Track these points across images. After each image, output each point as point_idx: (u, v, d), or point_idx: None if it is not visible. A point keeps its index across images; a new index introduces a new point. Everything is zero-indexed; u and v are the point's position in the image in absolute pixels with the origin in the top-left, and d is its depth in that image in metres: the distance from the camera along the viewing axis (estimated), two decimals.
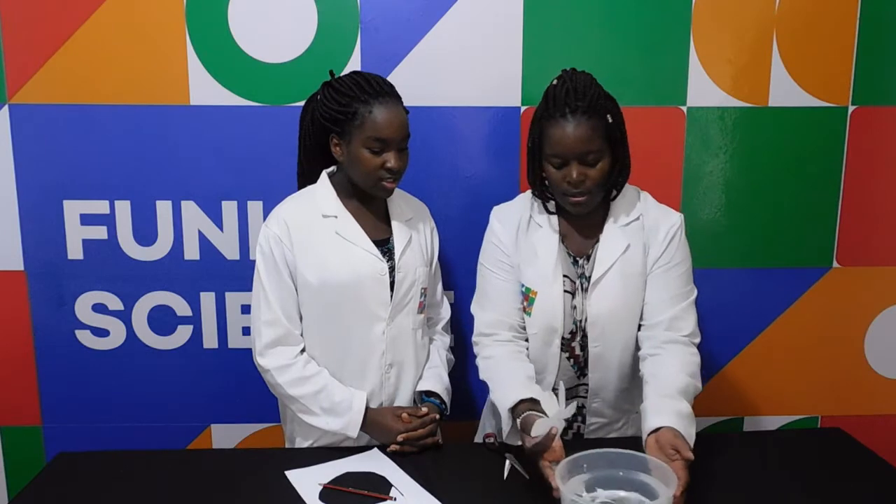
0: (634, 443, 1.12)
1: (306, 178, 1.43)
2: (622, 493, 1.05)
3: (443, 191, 1.71)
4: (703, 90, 1.69)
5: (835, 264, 1.80)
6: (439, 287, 1.55)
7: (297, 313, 1.37)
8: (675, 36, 1.67)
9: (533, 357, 1.36)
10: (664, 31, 1.67)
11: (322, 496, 1.17)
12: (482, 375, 1.35)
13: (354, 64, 1.64)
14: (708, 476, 1.16)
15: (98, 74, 1.63)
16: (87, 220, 1.69)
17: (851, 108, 1.72)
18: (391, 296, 1.37)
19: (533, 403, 1.17)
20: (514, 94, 1.68)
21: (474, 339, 1.40)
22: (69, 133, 1.65)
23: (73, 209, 1.68)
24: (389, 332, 1.38)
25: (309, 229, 1.35)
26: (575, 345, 1.35)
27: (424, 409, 1.37)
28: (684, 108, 1.71)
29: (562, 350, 1.35)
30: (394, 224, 1.41)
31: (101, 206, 1.69)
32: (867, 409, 1.89)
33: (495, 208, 1.43)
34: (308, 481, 1.21)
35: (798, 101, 1.71)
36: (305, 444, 1.41)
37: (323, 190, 1.38)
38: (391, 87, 1.34)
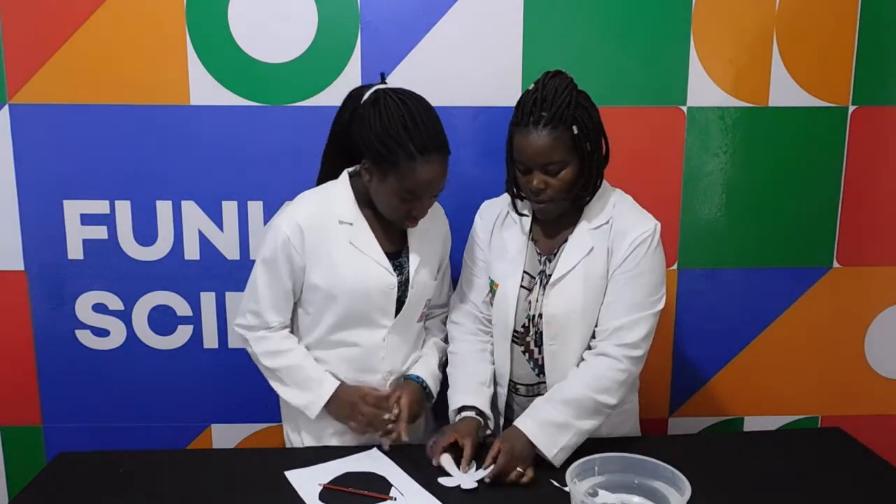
0: (645, 446, 1.13)
1: (328, 173, 1.40)
2: (634, 498, 1.06)
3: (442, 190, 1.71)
4: (704, 90, 1.69)
5: (835, 264, 1.80)
6: (446, 287, 1.53)
7: (286, 311, 1.38)
8: (676, 36, 1.66)
9: (495, 350, 1.42)
10: (664, 31, 1.66)
11: (322, 496, 1.17)
12: (447, 370, 1.44)
13: (355, 64, 1.64)
14: (708, 476, 1.16)
15: (98, 74, 1.63)
16: (87, 219, 1.69)
17: (852, 108, 1.72)
18: (396, 308, 1.37)
19: (473, 408, 1.33)
20: (515, 94, 1.65)
21: (448, 323, 1.50)
22: (69, 133, 1.65)
23: (73, 209, 1.68)
24: (390, 340, 1.38)
25: (323, 234, 1.33)
26: (529, 340, 1.37)
27: (393, 394, 1.34)
28: (684, 108, 1.71)
29: (517, 344, 1.38)
30: (410, 241, 1.39)
31: (101, 206, 1.69)
32: (867, 410, 1.89)
33: (483, 203, 1.49)
34: (308, 481, 1.21)
35: (798, 101, 1.71)
36: (305, 444, 1.41)
37: (342, 193, 1.35)
38: (441, 139, 1.26)
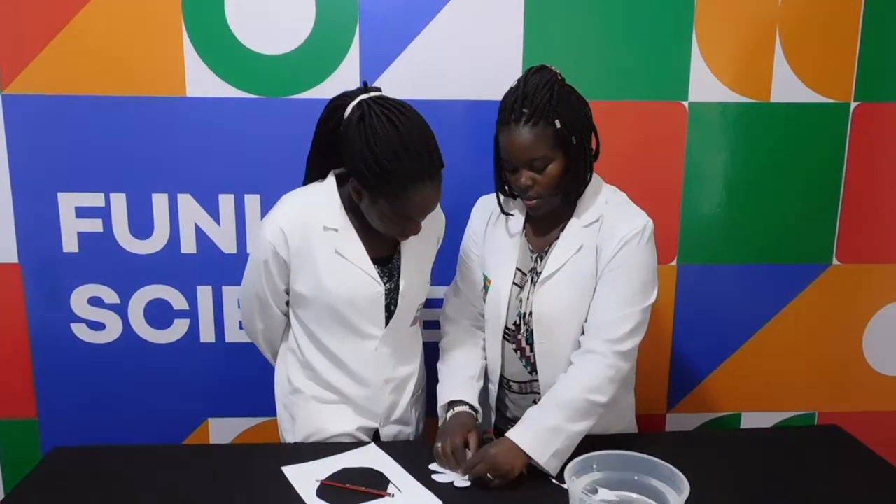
0: (642, 443, 1.13)
1: (314, 176, 1.36)
2: (632, 496, 1.06)
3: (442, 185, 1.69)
4: (705, 85, 1.68)
5: (834, 261, 1.80)
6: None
7: (281, 304, 1.37)
8: (678, 31, 1.65)
9: (487, 347, 1.42)
10: (666, 26, 1.65)
11: (319, 492, 1.16)
12: (437, 365, 1.45)
13: (353, 56, 1.62)
14: (705, 472, 1.15)
15: (93, 65, 1.61)
16: (82, 212, 1.68)
17: (854, 105, 1.71)
18: (386, 316, 1.33)
19: (463, 403, 1.34)
20: None
21: (441, 317, 1.50)
22: (64, 124, 1.63)
23: (68, 202, 1.67)
24: (382, 350, 1.35)
25: (307, 241, 1.28)
26: (521, 337, 1.36)
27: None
28: (686, 104, 1.69)
29: (509, 342, 1.38)
30: (403, 248, 1.34)
31: (96, 199, 1.67)
32: (865, 406, 1.89)
33: (480, 198, 1.48)
34: (305, 477, 1.20)
35: (800, 97, 1.70)
36: (297, 440, 1.40)
37: (327, 197, 1.29)
38: (433, 161, 1.19)
